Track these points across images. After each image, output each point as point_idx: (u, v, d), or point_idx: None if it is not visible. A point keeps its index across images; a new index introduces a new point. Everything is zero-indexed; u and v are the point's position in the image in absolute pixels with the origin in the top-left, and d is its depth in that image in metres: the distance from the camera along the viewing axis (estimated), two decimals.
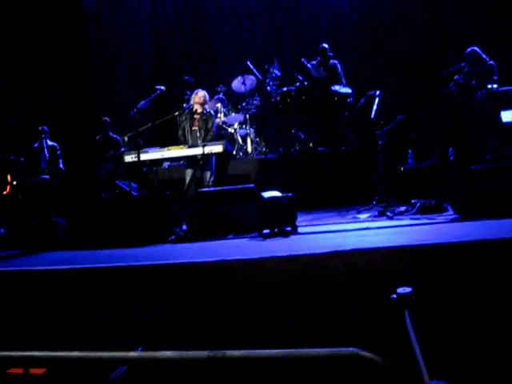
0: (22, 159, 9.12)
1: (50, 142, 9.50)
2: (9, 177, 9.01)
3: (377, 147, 7.31)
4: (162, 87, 7.44)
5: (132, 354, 2.98)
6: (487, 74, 7.82)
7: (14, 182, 9.06)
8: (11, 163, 9.10)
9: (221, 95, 10.15)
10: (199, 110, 7.82)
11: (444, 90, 8.06)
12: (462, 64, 7.98)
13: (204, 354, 2.60)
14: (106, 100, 11.90)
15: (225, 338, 3.66)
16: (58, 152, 9.51)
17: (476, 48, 8.00)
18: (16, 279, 4.74)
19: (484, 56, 7.94)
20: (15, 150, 9.30)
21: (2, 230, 7.32)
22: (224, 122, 9.83)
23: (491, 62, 7.91)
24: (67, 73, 11.46)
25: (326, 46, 9.68)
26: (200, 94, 7.88)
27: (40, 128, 9.51)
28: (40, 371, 3.40)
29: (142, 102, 7.15)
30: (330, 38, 10.55)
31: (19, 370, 3.39)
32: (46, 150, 9.28)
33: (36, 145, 9.43)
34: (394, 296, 3.31)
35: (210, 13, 11.97)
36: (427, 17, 10.45)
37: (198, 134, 7.73)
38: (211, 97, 10.01)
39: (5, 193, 8.83)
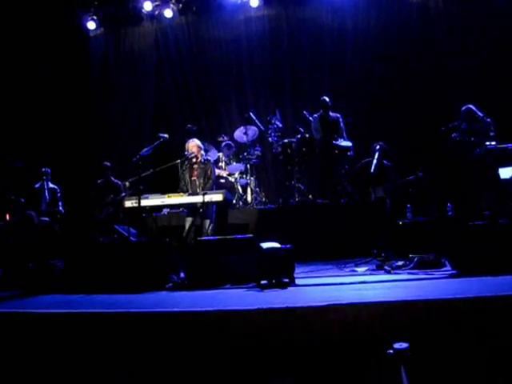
0: (23, 200, 9.15)
1: (51, 185, 9.57)
2: (7, 216, 9.02)
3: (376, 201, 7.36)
4: (165, 135, 7.53)
5: None
6: (484, 132, 7.94)
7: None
8: (11, 203, 9.12)
9: (229, 141, 10.27)
10: (198, 159, 7.90)
11: (443, 146, 8.16)
12: (455, 123, 8.09)
13: None
14: (108, 145, 12.02)
15: None
16: (59, 195, 9.57)
17: (471, 106, 8.14)
18: (10, 321, 4.71)
19: (479, 113, 8.07)
20: (16, 190, 9.33)
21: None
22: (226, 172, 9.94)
23: (487, 119, 8.03)
24: (71, 117, 11.63)
25: (326, 99, 9.84)
26: (190, 145, 7.96)
27: (43, 170, 9.59)
28: None
29: (145, 149, 7.22)
30: (332, 91, 10.73)
31: None
32: (46, 191, 9.33)
33: (37, 186, 9.49)
34: (391, 351, 3.30)
35: (214, 64, 12.17)
36: (427, 71, 10.68)
37: (197, 183, 7.80)
38: (215, 146, 10.17)
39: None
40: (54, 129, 11.35)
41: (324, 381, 3.62)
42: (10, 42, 11.25)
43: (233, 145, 10.29)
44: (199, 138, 8.30)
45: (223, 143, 10.27)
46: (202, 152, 8.02)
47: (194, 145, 7.96)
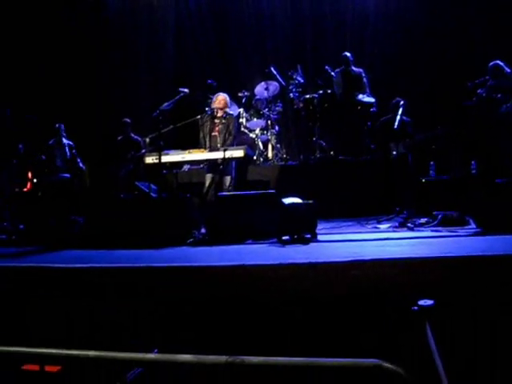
0: (44, 157, 9.17)
1: (65, 141, 9.50)
2: (29, 174, 9.07)
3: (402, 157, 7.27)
4: (186, 90, 7.42)
5: (149, 355, 2.96)
6: (511, 88, 7.74)
7: (35, 180, 9.12)
8: (32, 161, 9.16)
9: (259, 97, 10.15)
10: (219, 114, 7.81)
11: (468, 102, 7.98)
12: (482, 79, 7.90)
13: (222, 359, 2.57)
14: (127, 100, 11.94)
15: (242, 344, 3.63)
16: (74, 151, 9.52)
17: (499, 62, 7.91)
18: (33, 275, 4.74)
19: (507, 69, 7.83)
20: (35, 148, 9.34)
21: (21, 226, 7.35)
22: (246, 127, 9.83)
23: None
24: (89, 72, 11.55)
25: (348, 54, 9.65)
26: (219, 98, 7.87)
27: (57, 125, 9.50)
28: (55, 369, 3.39)
29: (165, 104, 7.14)
30: (355, 46, 10.52)
31: (34, 367, 3.38)
32: (66, 148, 9.29)
33: (51, 142, 9.44)
34: (415, 308, 3.26)
35: (235, 18, 12.00)
36: (453, 27, 10.37)
37: (218, 139, 7.71)
38: (236, 101, 10.04)
39: (25, 190, 8.88)
40: (73, 86, 11.27)
41: (346, 336, 3.60)
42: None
43: (262, 99, 10.12)
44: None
45: (255, 98, 10.12)
46: (227, 109, 7.93)
47: (223, 98, 7.87)
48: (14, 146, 8.79)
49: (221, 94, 8.01)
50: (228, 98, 7.96)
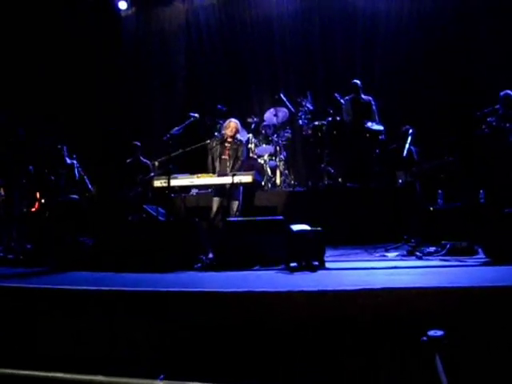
0: (53, 178, 9.19)
1: (69, 161, 9.49)
2: (37, 194, 9.09)
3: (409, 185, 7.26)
4: (196, 115, 7.48)
5: (156, 382, 2.93)
6: None
7: (43, 200, 9.13)
8: (41, 181, 9.18)
9: (267, 123, 10.18)
10: (229, 139, 7.86)
11: (477, 131, 7.99)
12: (497, 106, 7.93)
13: None
14: (138, 125, 12.03)
15: (249, 372, 3.60)
16: (81, 170, 9.53)
17: (509, 91, 7.95)
18: (40, 297, 4.73)
19: None
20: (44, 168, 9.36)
21: (29, 246, 7.36)
22: (254, 153, 9.87)
23: None
24: (102, 96, 11.65)
25: (357, 82, 9.71)
26: (232, 125, 7.93)
27: (59, 146, 9.50)
28: None
29: (176, 128, 7.19)
30: (364, 73, 10.60)
31: None
32: (75, 169, 9.34)
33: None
34: (425, 338, 3.23)
35: (246, 45, 12.11)
36: (463, 57, 10.43)
37: (228, 163, 7.74)
38: (245, 127, 10.09)
39: (33, 210, 8.90)
40: (85, 107, 11.38)
41: (356, 366, 3.56)
42: (42, 20, 11.29)
43: (271, 125, 10.16)
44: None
45: (263, 124, 10.18)
46: (238, 135, 7.97)
47: (235, 125, 7.93)
48: (25, 166, 8.83)
49: (232, 120, 8.06)
50: (239, 125, 8.02)
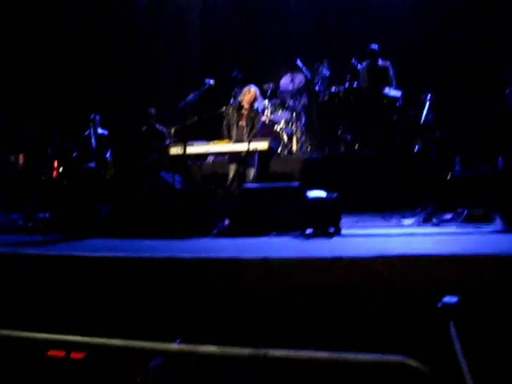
0: (70, 145, 9.24)
1: (100, 131, 9.64)
2: (55, 162, 9.15)
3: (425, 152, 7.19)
4: (211, 81, 7.43)
5: (173, 345, 2.98)
6: None
7: (61, 169, 9.19)
8: (59, 149, 9.23)
9: (283, 88, 10.10)
10: (247, 106, 7.81)
11: (498, 97, 7.87)
12: None
13: (246, 351, 2.58)
14: (153, 92, 12.02)
15: (266, 337, 3.63)
16: (107, 141, 9.62)
17: None
18: (57, 264, 4.79)
19: None
20: (64, 136, 9.43)
21: (47, 215, 7.43)
22: (271, 120, 9.82)
23: None
24: (115, 63, 11.64)
25: (375, 47, 9.56)
26: (252, 93, 7.86)
27: (92, 116, 9.64)
28: (80, 355, 3.43)
29: (191, 96, 7.15)
30: (382, 38, 10.42)
31: (60, 353, 3.43)
32: (93, 138, 9.40)
33: (87, 133, 9.57)
34: (440, 305, 3.23)
35: (262, 10, 11.98)
36: (486, 18, 10.20)
37: (244, 131, 7.71)
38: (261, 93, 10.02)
39: (51, 178, 8.96)
40: (101, 76, 11.39)
41: (369, 331, 3.58)
42: None
43: (287, 92, 10.07)
44: (244, 85, 8.18)
45: (279, 90, 10.10)
46: (255, 103, 7.91)
47: (254, 93, 7.86)
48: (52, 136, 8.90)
49: (252, 87, 7.97)
50: (258, 92, 7.93)
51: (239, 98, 7.93)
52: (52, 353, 3.52)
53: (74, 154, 9.27)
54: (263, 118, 9.48)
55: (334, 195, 5.72)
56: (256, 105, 7.99)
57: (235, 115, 7.79)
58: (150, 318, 4.12)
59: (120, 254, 4.73)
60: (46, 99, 10.49)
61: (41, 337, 3.32)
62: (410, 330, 3.47)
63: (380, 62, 9.57)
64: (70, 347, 3.35)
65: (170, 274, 4.34)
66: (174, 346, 3.02)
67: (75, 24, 11.49)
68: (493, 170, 7.35)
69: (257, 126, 7.81)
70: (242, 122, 7.74)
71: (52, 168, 9.04)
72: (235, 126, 7.75)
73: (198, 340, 3.36)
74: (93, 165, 9.19)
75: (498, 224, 5.79)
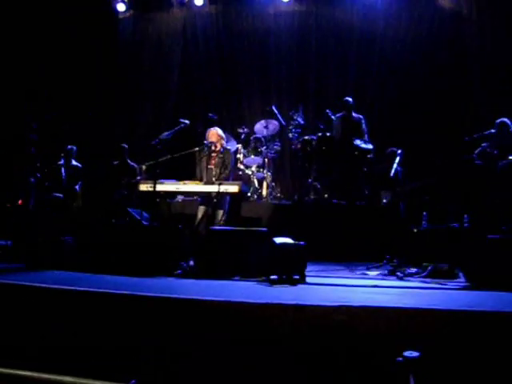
0: (39, 175, 9.14)
1: (74, 163, 9.68)
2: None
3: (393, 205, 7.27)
4: (187, 121, 7.49)
5: None
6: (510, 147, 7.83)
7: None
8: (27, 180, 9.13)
9: (259, 135, 10.18)
10: (217, 148, 7.84)
11: (467, 155, 8.05)
12: (492, 131, 7.97)
13: None
14: (128, 127, 12.04)
15: (221, 380, 3.57)
16: (79, 173, 9.58)
17: (506, 120, 8.02)
18: (14, 293, 4.68)
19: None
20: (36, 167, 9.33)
21: (9, 243, 7.28)
22: (242, 163, 9.86)
23: None
24: (94, 96, 11.64)
25: (350, 99, 9.76)
26: (211, 132, 7.91)
27: (69, 147, 9.65)
28: None
29: (166, 133, 7.19)
30: (358, 91, 10.64)
31: None
32: (62, 169, 9.34)
33: (61, 162, 9.53)
34: (400, 359, 3.22)
35: (241, 56, 12.11)
36: (456, 82, 10.50)
37: (214, 172, 7.71)
38: (234, 137, 10.08)
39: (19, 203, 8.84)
40: (77, 107, 11.35)
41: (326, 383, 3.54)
42: (39, 22, 11.34)
43: (263, 140, 10.14)
44: (219, 128, 8.23)
45: (252, 136, 10.17)
46: (223, 142, 7.95)
47: (214, 133, 7.90)
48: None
49: (211, 129, 8.04)
50: (220, 131, 7.98)
51: (205, 140, 7.93)
52: None
53: (46, 183, 9.18)
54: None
55: (301, 243, 5.73)
56: (226, 145, 8.04)
57: (206, 156, 7.81)
58: (107, 354, 4.02)
59: (79, 288, 4.64)
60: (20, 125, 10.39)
61: None
62: (371, 382, 3.44)
63: (354, 114, 9.74)
64: (19, 383, 3.23)
65: (128, 312, 4.26)
66: None
67: (56, 61, 11.50)
68: (458, 226, 7.47)
69: (229, 166, 7.82)
70: (212, 164, 7.75)
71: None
72: (205, 168, 7.75)
73: (153, 382, 3.29)
74: (61, 195, 9.09)
75: (461, 280, 5.85)
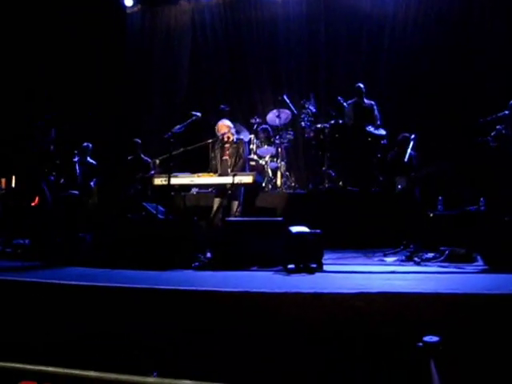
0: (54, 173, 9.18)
1: (89, 160, 9.73)
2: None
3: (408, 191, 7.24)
4: (198, 114, 7.48)
5: (150, 379, 2.92)
6: None
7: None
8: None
9: (266, 125, 10.17)
10: (230, 139, 7.84)
11: (481, 138, 7.96)
12: (506, 112, 7.87)
13: None
14: (140, 122, 12.06)
15: (242, 371, 3.58)
16: (94, 170, 9.63)
17: None
18: (33, 290, 4.72)
19: None
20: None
21: (27, 241, 7.34)
22: (256, 154, 9.86)
23: None
24: (105, 92, 11.66)
25: (361, 85, 9.72)
26: (219, 126, 7.91)
27: (85, 144, 9.69)
28: None
29: (178, 127, 7.19)
30: (368, 77, 10.57)
31: None
32: (78, 166, 9.38)
33: (75, 159, 9.58)
34: (420, 344, 3.21)
35: (251, 45, 12.10)
36: (468, 64, 10.39)
37: (229, 163, 7.70)
38: (247, 128, 10.06)
39: (33, 204, 8.88)
40: (88, 104, 11.37)
41: (350, 371, 3.55)
42: (46, 17, 11.35)
43: (270, 129, 10.11)
44: (232, 119, 8.24)
45: (260, 127, 10.16)
46: (233, 131, 7.94)
47: (222, 125, 7.90)
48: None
49: (219, 121, 8.03)
50: (228, 122, 7.96)
51: (217, 134, 7.93)
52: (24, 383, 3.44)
53: (62, 181, 9.21)
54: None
55: (317, 231, 5.72)
56: (236, 135, 8.05)
57: (220, 148, 7.81)
58: (127, 349, 4.05)
59: (98, 284, 4.67)
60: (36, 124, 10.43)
61: (12, 367, 3.24)
62: (391, 368, 3.44)
63: (365, 100, 9.69)
64: (41, 378, 3.26)
65: (148, 305, 4.28)
66: (150, 380, 2.95)
67: (64, 57, 11.53)
68: (475, 210, 7.42)
69: (243, 155, 7.81)
70: (226, 156, 7.75)
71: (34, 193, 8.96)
72: (220, 160, 7.75)
73: (174, 374, 3.30)
74: (76, 192, 9.13)
75: (479, 264, 5.82)
